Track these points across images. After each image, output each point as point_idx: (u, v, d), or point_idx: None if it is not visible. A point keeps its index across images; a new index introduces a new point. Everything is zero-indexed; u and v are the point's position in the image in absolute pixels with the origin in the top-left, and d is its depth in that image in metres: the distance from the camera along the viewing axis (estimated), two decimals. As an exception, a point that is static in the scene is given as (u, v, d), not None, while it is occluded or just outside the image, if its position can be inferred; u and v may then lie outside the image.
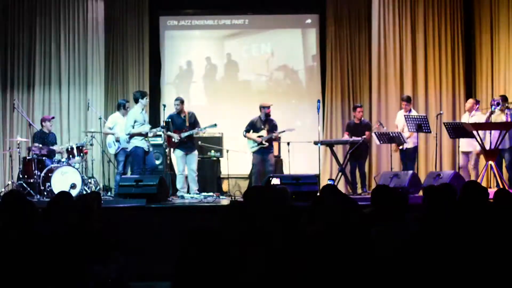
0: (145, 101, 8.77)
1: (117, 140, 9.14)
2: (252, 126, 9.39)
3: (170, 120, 9.02)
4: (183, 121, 9.06)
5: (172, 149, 9.25)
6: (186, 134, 8.95)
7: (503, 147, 8.62)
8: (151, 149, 8.88)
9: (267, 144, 9.26)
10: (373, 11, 10.66)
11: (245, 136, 9.41)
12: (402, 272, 3.09)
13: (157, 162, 9.78)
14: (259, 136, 9.28)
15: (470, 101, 9.44)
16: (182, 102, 9.14)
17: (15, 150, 9.55)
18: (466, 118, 9.19)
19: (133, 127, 8.60)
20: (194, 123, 9.09)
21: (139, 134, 8.64)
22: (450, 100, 10.51)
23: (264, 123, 9.36)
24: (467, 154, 9.26)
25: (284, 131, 9.42)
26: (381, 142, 9.39)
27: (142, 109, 8.78)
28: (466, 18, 10.61)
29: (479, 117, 9.05)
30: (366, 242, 3.17)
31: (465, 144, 9.13)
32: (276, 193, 4.44)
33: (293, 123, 11.13)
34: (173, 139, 8.99)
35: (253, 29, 11.67)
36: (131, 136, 8.64)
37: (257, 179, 9.25)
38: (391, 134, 9.20)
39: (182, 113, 9.10)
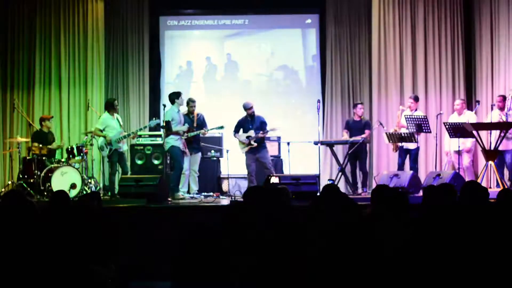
0: (180, 100, 8.88)
1: (109, 143, 9.02)
2: (240, 126, 9.30)
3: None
4: (191, 122, 9.12)
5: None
6: (192, 134, 8.99)
7: (506, 148, 8.64)
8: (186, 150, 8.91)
9: (255, 144, 9.18)
10: (373, 11, 10.66)
11: (235, 137, 9.35)
12: (402, 272, 3.09)
13: (157, 162, 9.82)
14: (247, 137, 9.19)
15: (458, 102, 9.47)
16: (194, 103, 9.27)
17: (15, 150, 9.56)
18: (455, 119, 9.19)
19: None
20: (201, 125, 9.16)
21: (176, 133, 8.67)
22: (450, 100, 10.50)
23: (251, 122, 9.28)
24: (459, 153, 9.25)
25: (274, 129, 9.27)
26: (391, 141, 9.35)
27: (178, 109, 8.88)
28: (466, 18, 10.60)
29: (469, 116, 9.09)
30: (366, 242, 3.17)
31: (455, 143, 9.09)
32: (276, 193, 4.44)
33: (293, 123, 11.16)
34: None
35: (253, 29, 11.67)
36: (168, 135, 8.65)
37: (253, 180, 9.18)
38: (402, 134, 9.19)
39: (191, 114, 9.16)
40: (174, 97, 8.89)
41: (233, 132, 9.36)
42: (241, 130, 9.30)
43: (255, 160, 9.22)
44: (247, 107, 9.28)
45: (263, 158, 9.20)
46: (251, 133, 9.18)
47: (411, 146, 9.32)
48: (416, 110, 9.49)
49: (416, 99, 9.63)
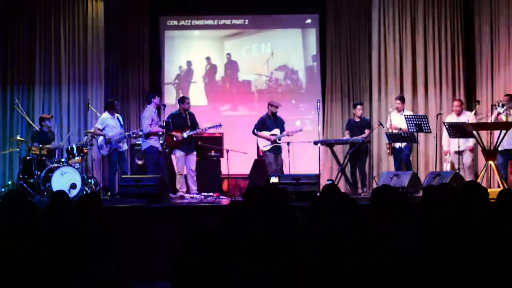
0: (157, 100, 8.98)
1: (109, 142, 9.02)
2: (263, 124, 9.33)
3: (170, 120, 9.02)
4: (185, 121, 9.10)
5: (171, 149, 9.26)
6: (189, 133, 8.98)
7: (510, 146, 8.64)
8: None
9: (281, 142, 9.26)
10: (373, 11, 10.65)
11: (255, 134, 9.35)
12: (402, 273, 3.09)
13: (157, 162, 9.81)
14: (271, 135, 9.24)
15: (457, 102, 9.48)
16: (189, 99, 9.33)
17: (15, 150, 9.56)
18: (453, 119, 9.20)
19: (150, 126, 8.70)
20: (194, 123, 9.14)
21: (156, 134, 8.73)
22: (450, 100, 10.49)
23: (274, 121, 9.35)
24: (459, 153, 9.24)
25: (301, 130, 9.40)
26: (391, 141, 9.37)
27: (155, 109, 8.96)
28: (466, 18, 10.60)
29: (468, 117, 9.09)
30: (366, 242, 3.17)
31: (455, 143, 9.09)
32: (276, 193, 4.44)
33: (293, 123, 11.16)
34: (174, 138, 9.02)
35: (253, 29, 11.68)
36: (148, 135, 8.69)
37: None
38: (403, 134, 9.20)
39: (184, 112, 9.15)
40: (152, 97, 9.01)
41: (254, 130, 9.35)
42: (263, 128, 9.33)
43: (276, 159, 9.27)
44: (274, 105, 9.34)
45: (280, 160, 9.29)
46: (276, 131, 9.24)
47: (404, 145, 9.35)
48: (403, 110, 9.53)
49: (402, 99, 9.70)
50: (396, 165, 9.56)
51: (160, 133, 8.91)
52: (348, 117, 10.84)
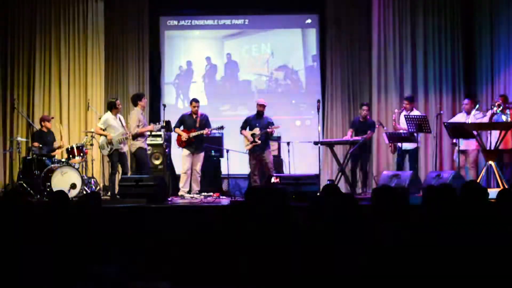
0: (143, 102, 9.13)
1: (110, 142, 9.01)
2: (248, 123, 9.42)
3: (170, 120, 9.11)
4: (194, 122, 9.19)
5: (181, 148, 9.36)
6: (193, 134, 9.06)
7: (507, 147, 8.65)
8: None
9: (259, 142, 9.24)
10: (373, 11, 10.66)
11: (241, 133, 9.45)
12: (402, 273, 3.09)
13: (157, 162, 9.82)
14: (252, 135, 9.28)
15: (467, 101, 9.43)
16: (198, 103, 9.39)
17: (15, 150, 9.56)
18: (462, 118, 9.18)
19: (138, 128, 8.85)
20: (205, 125, 9.23)
21: (142, 135, 8.80)
22: (450, 100, 10.51)
23: (258, 120, 9.37)
24: (464, 152, 9.23)
25: (265, 132, 9.26)
26: (391, 141, 9.36)
27: (142, 111, 9.12)
28: (466, 18, 10.60)
29: (476, 117, 9.08)
30: (366, 242, 3.18)
31: (463, 143, 9.09)
32: (276, 193, 4.44)
33: (293, 123, 11.18)
34: (182, 138, 9.12)
35: (253, 29, 11.67)
36: (136, 136, 8.81)
37: (256, 179, 9.24)
38: (402, 135, 9.19)
39: (194, 114, 9.23)
40: (137, 99, 9.13)
41: (240, 128, 9.46)
42: (248, 127, 9.39)
43: (258, 159, 9.26)
44: (258, 103, 9.44)
45: (266, 159, 9.26)
46: (256, 131, 9.25)
47: (409, 146, 9.33)
48: (412, 110, 9.49)
49: (410, 99, 9.61)
50: (399, 162, 9.51)
51: (148, 133, 9.04)
52: (348, 117, 10.86)
